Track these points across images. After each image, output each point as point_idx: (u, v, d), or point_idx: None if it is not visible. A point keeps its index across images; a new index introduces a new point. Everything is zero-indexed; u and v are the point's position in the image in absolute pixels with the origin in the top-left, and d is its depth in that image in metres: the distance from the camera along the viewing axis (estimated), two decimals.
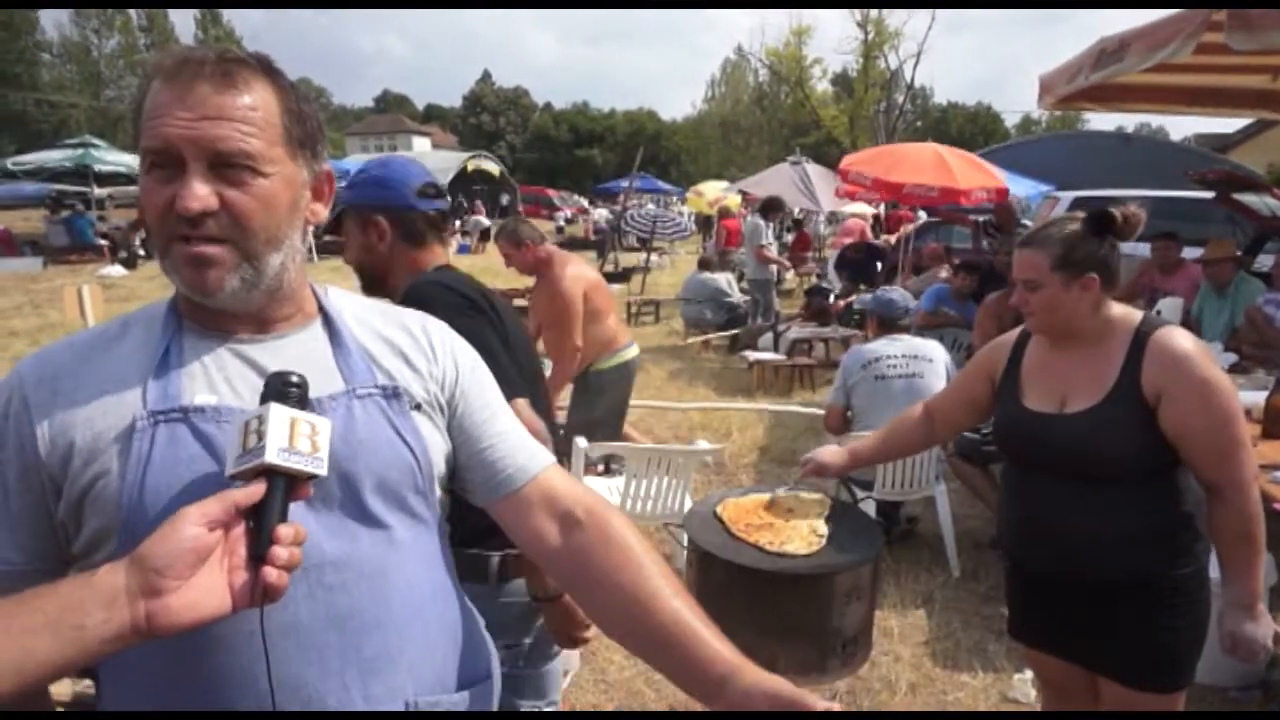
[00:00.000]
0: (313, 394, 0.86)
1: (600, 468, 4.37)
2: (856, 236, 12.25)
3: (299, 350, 0.95)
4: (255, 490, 0.76)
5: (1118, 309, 1.78)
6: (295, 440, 0.78)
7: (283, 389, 0.81)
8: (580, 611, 1.44)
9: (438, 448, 1.00)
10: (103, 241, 16.06)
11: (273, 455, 0.76)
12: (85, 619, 0.69)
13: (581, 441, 4.04)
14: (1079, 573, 1.76)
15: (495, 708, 1.08)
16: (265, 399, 0.80)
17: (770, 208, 9.41)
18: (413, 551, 0.95)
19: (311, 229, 1.00)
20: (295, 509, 0.80)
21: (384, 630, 0.91)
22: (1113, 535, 1.70)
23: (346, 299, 1.05)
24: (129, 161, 16.96)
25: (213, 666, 0.84)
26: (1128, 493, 1.70)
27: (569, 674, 2.67)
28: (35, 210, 19.53)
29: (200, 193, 0.83)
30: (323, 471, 0.80)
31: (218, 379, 0.90)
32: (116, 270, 14.13)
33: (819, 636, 1.67)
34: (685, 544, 1.83)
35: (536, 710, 1.74)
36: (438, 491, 1.01)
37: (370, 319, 1.04)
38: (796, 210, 14.47)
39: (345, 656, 0.88)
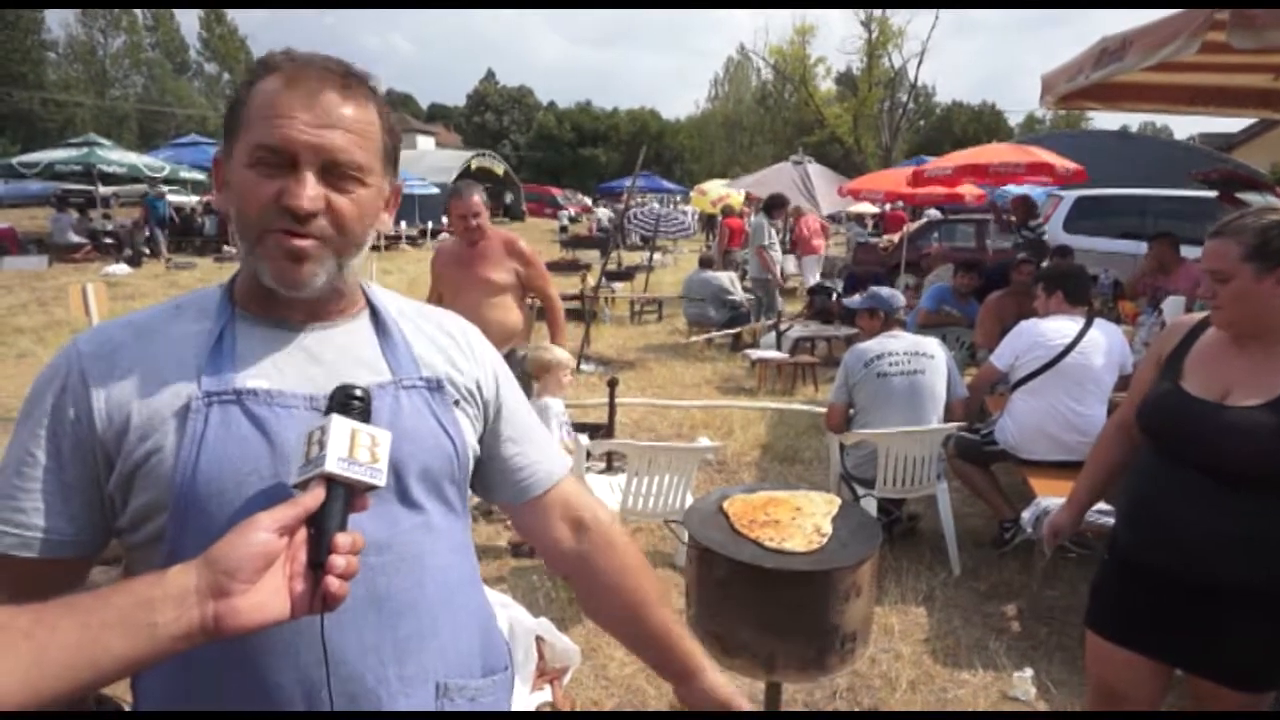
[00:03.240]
0: (361, 383, 0.88)
1: (602, 464, 4.38)
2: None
3: (347, 340, 0.99)
4: (319, 493, 0.77)
5: None
6: (355, 451, 0.79)
7: (346, 401, 0.83)
8: None
9: (472, 444, 1.04)
10: (109, 240, 16.12)
11: (332, 465, 0.78)
12: (157, 616, 0.70)
13: (584, 439, 4.05)
14: (1198, 570, 1.69)
15: (512, 700, 1.11)
16: (328, 410, 0.82)
17: (774, 205, 9.38)
18: (446, 539, 0.99)
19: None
20: None
21: (418, 612, 0.94)
22: (1243, 538, 1.64)
23: (390, 296, 1.09)
24: (133, 161, 16.99)
25: (260, 638, 0.84)
26: (1266, 498, 1.63)
27: (569, 670, 2.68)
28: (41, 209, 19.56)
29: (313, 193, 0.88)
30: (381, 483, 0.81)
31: (268, 364, 0.93)
32: (121, 269, 14.16)
33: (817, 633, 1.69)
34: (686, 540, 1.85)
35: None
36: (468, 487, 1.05)
37: (414, 316, 1.08)
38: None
39: (381, 635, 0.91)
